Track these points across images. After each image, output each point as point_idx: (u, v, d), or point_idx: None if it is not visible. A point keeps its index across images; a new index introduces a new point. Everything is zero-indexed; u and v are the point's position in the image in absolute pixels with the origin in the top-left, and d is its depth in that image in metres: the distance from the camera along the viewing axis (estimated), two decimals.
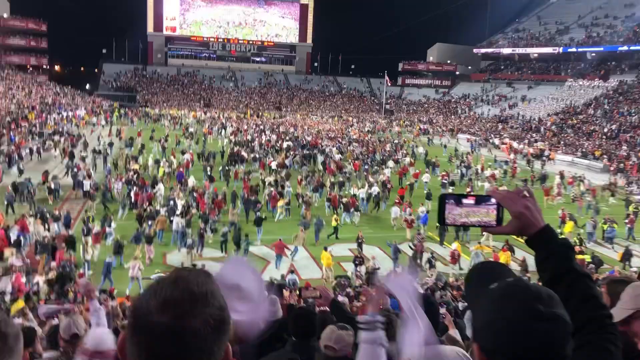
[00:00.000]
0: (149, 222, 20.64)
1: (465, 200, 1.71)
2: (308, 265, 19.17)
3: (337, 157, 37.53)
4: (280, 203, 24.39)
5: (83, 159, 32.05)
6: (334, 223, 22.12)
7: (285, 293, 13.08)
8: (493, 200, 1.68)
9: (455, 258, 18.86)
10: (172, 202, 22.48)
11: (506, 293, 1.31)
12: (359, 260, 18.22)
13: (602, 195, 30.76)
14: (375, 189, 26.84)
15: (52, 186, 25.00)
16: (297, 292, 12.91)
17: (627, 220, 23.75)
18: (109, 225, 19.69)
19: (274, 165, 32.84)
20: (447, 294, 13.36)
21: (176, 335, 1.11)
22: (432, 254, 19.28)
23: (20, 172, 27.93)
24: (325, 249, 18.46)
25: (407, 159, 38.17)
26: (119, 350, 1.28)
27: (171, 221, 20.76)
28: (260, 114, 72.08)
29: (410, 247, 19.77)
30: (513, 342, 1.25)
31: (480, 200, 1.70)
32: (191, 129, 49.40)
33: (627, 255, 19.38)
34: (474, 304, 1.44)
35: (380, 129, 63.39)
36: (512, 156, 43.41)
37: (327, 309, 4.57)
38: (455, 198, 1.72)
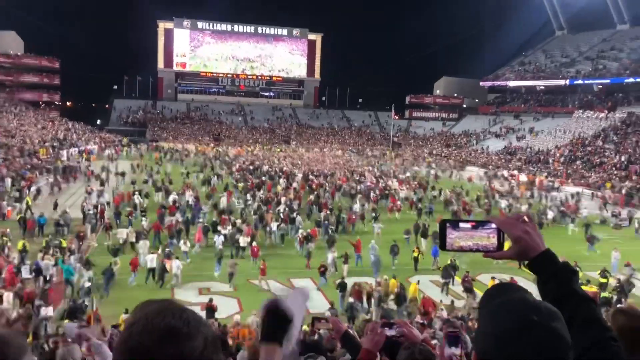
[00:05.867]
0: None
1: (463, 225, 1.70)
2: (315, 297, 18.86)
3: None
4: None
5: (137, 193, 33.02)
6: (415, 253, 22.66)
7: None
8: (493, 225, 1.68)
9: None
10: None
11: (505, 304, 1.33)
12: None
13: None
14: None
15: (61, 221, 25.10)
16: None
17: None
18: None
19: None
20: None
21: None
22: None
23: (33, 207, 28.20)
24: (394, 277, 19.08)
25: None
26: None
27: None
28: (271, 147, 72.70)
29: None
30: (503, 349, 1.25)
31: (480, 225, 1.69)
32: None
33: None
34: (479, 316, 1.44)
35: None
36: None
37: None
38: (454, 223, 1.71)
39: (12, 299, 15.04)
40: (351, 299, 17.44)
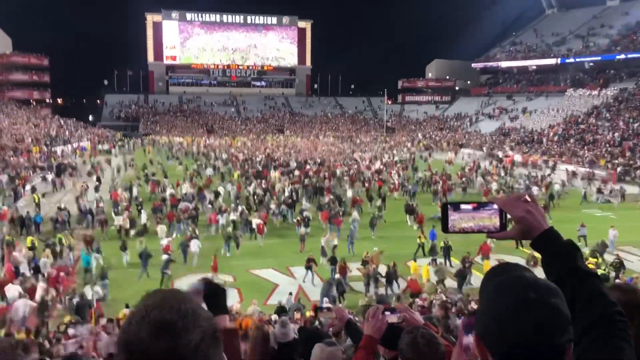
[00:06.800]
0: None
1: (465, 207, 1.70)
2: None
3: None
4: None
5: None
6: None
7: (297, 315, 13.05)
8: (495, 206, 1.67)
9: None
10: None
11: (502, 283, 1.33)
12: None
13: None
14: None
15: (59, 218, 25.08)
16: (313, 313, 12.86)
17: None
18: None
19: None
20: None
21: (177, 357, 1.12)
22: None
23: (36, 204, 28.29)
24: (415, 260, 20.27)
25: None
26: None
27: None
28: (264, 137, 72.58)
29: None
30: (503, 329, 1.26)
31: (481, 206, 1.69)
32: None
33: None
34: (480, 298, 1.44)
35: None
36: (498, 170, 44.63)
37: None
38: (455, 205, 1.71)
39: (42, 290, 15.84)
40: (338, 275, 18.43)
